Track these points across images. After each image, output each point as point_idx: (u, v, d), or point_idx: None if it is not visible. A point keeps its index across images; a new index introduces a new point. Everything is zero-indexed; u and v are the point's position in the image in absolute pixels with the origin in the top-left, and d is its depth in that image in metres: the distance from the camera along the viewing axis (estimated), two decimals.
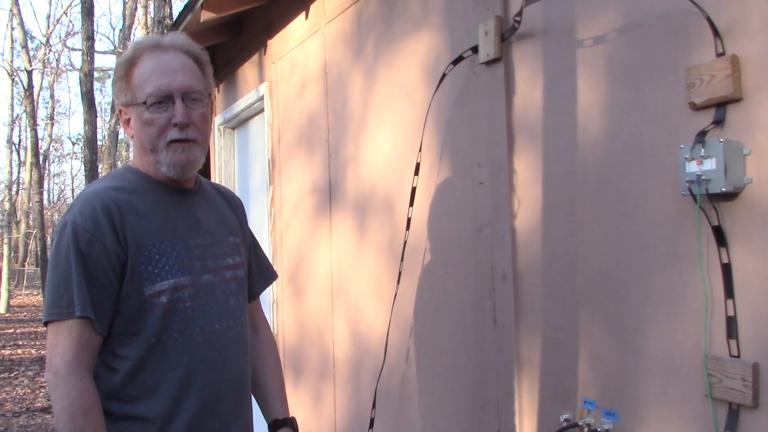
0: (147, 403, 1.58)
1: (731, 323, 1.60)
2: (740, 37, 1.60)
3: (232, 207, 1.91)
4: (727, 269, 1.61)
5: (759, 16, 1.56)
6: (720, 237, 1.61)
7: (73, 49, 23.66)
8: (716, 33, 1.63)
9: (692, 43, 1.71)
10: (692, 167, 1.61)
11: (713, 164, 1.57)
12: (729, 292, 1.60)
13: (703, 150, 1.59)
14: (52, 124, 30.46)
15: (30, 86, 16.78)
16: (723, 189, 1.55)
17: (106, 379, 1.58)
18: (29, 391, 9.57)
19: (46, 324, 1.56)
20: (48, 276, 1.58)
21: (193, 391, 1.61)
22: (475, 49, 2.40)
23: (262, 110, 4.55)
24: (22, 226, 30.67)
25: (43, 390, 9.52)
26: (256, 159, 4.81)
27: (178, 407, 1.59)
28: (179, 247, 1.64)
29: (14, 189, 28.20)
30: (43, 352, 12.76)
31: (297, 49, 3.93)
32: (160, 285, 1.59)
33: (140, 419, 1.58)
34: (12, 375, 10.74)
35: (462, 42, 2.50)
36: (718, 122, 1.62)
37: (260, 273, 2.00)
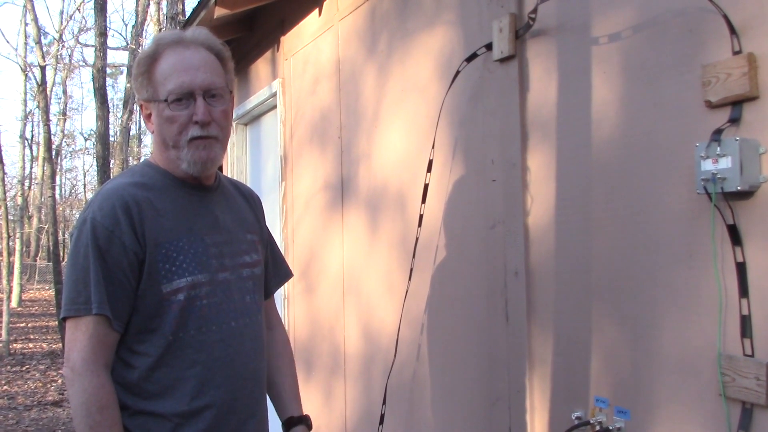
0: (164, 400, 1.59)
1: (745, 322, 1.59)
2: (757, 34, 1.59)
3: (251, 204, 1.91)
4: (741, 268, 1.60)
5: None
6: (735, 236, 1.61)
7: (86, 45, 23.70)
8: (733, 30, 1.62)
9: (708, 41, 1.70)
10: (707, 165, 1.60)
11: (729, 163, 1.56)
12: (743, 290, 1.59)
13: (718, 148, 1.58)
14: (65, 120, 30.62)
15: (43, 82, 16.84)
16: (738, 188, 1.54)
17: (124, 375, 1.59)
18: (41, 384, 9.64)
19: (64, 320, 1.57)
20: (66, 272, 1.59)
21: (210, 388, 1.62)
22: (489, 46, 2.40)
23: (274, 107, 4.56)
24: (35, 220, 30.89)
25: (54, 384, 9.58)
26: (269, 155, 4.82)
27: (195, 404, 1.60)
28: (196, 245, 1.65)
29: (27, 184, 28.36)
30: (54, 346, 12.86)
31: (310, 46, 3.93)
32: (177, 283, 1.59)
33: (157, 415, 1.59)
34: (24, 369, 10.83)
35: (476, 39, 2.49)
36: (734, 120, 1.62)
37: (276, 271, 2.01)
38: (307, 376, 3.91)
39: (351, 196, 3.43)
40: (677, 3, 1.78)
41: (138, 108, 1.74)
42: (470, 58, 2.46)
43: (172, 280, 1.59)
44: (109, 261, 1.54)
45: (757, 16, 1.59)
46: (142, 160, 2.12)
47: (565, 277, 2.12)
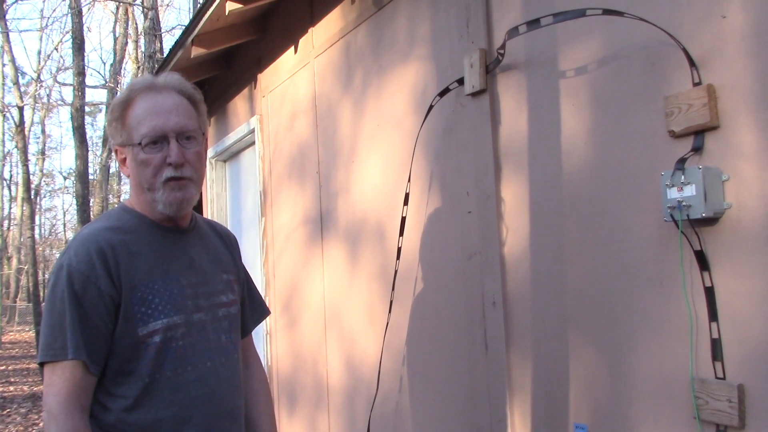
0: None
1: (716, 345, 1.63)
2: (716, 66, 1.65)
3: (226, 244, 1.93)
4: (710, 292, 1.64)
5: (733, 46, 1.62)
6: (702, 261, 1.65)
7: (64, 84, 23.71)
8: (692, 63, 1.68)
9: (670, 73, 1.76)
10: (673, 193, 1.65)
11: (693, 190, 1.61)
12: (713, 315, 1.63)
13: (683, 177, 1.63)
14: (44, 159, 30.41)
15: (21, 122, 16.77)
16: (703, 214, 1.59)
17: (101, 418, 1.59)
18: (22, 428, 9.46)
19: (42, 365, 1.58)
20: (43, 317, 1.60)
21: (188, 428, 1.62)
22: (461, 81, 2.45)
23: (253, 143, 4.59)
24: (14, 261, 30.51)
25: (35, 427, 9.42)
26: (248, 191, 4.84)
27: None
28: (172, 287, 1.66)
29: (6, 224, 28.10)
30: (35, 388, 12.64)
31: (287, 83, 3.98)
32: (153, 325, 1.60)
33: None
34: (5, 412, 10.63)
35: (448, 74, 2.55)
36: (697, 149, 1.67)
37: (253, 309, 2.02)
38: (290, 409, 3.89)
39: (330, 230, 3.45)
40: (639, 37, 1.85)
41: (113, 152, 1.76)
42: (443, 93, 2.52)
43: (148, 322, 1.60)
44: (85, 305, 1.55)
45: (714, 48, 1.66)
46: (121, 198, 2.12)
47: (542, 305, 2.15)
